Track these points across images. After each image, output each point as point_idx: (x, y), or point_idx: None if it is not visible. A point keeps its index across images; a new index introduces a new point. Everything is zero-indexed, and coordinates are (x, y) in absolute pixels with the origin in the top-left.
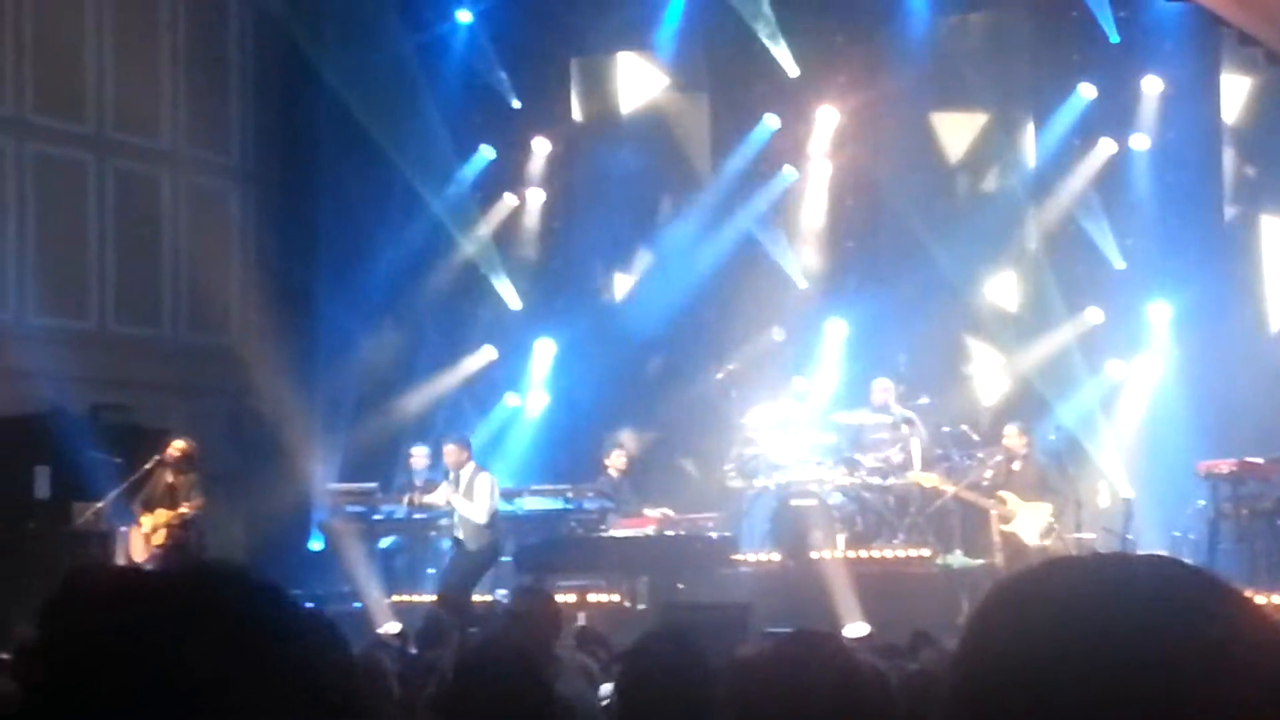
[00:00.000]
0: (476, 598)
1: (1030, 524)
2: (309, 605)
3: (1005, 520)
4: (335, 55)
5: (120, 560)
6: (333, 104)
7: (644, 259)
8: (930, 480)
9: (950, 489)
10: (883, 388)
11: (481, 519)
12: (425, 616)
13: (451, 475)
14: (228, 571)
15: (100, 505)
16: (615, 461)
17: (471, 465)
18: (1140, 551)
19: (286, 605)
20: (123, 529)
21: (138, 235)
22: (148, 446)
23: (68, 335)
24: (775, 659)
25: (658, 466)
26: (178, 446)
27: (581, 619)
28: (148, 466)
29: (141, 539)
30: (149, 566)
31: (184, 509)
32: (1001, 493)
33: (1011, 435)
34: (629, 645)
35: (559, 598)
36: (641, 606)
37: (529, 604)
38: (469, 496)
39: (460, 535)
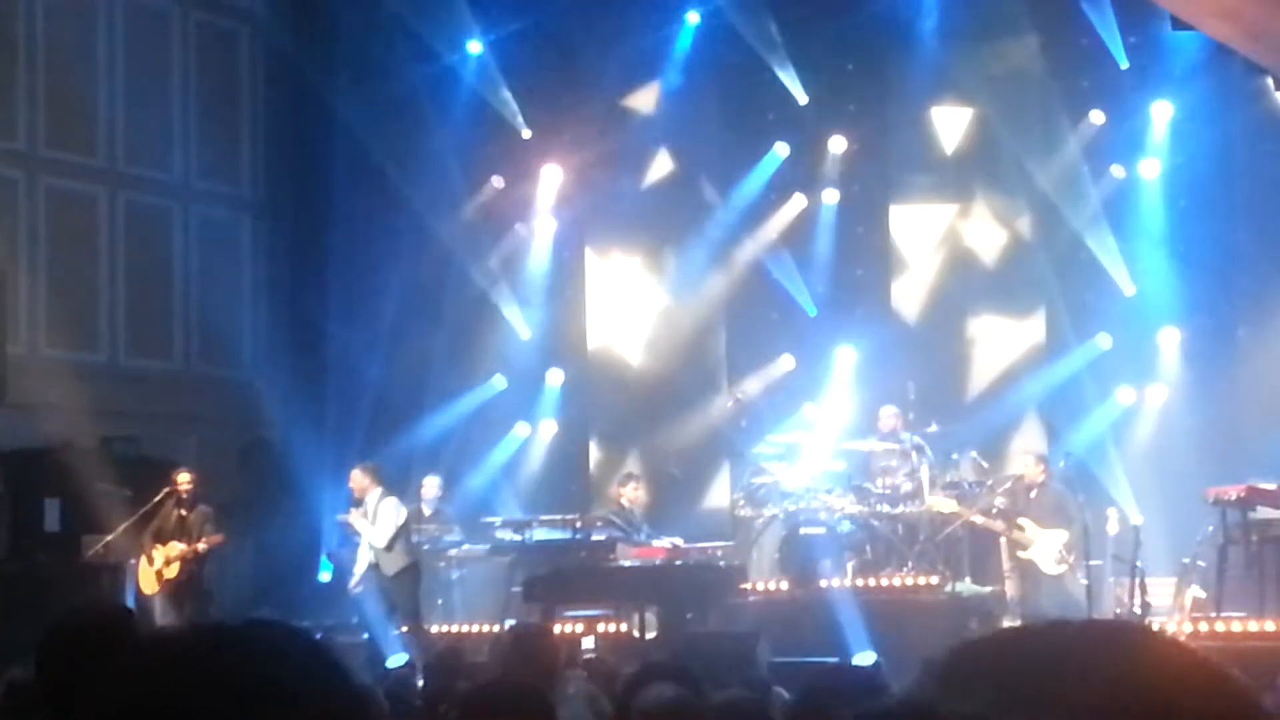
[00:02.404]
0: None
1: (1047, 551)
2: (317, 640)
3: (1022, 547)
4: (345, 86)
5: (129, 593)
6: (343, 135)
7: (654, 286)
8: (947, 506)
9: (967, 515)
10: (891, 414)
11: (381, 543)
12: (432, 649)
13: (359, 501)
14: (243, 633)
15: (110, 538)
16: (629, 492)
17: (378, 491)
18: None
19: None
20: (132, 562)
21: (149, 268)
22: (158, 479)
23: (79, 368)
24: None
25: (667, 496)
26: (185, 479)
27: (590, 649)
28: (157, 499)
29: (152, 572)
30: (160, 599)
31: (201, 545)
32: (1020, 520)
33: (1029, 463)
34: (628, 675)
35: (567, 628)
36: (650, 636)
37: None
38: (373, 521)
39: (377, 562)
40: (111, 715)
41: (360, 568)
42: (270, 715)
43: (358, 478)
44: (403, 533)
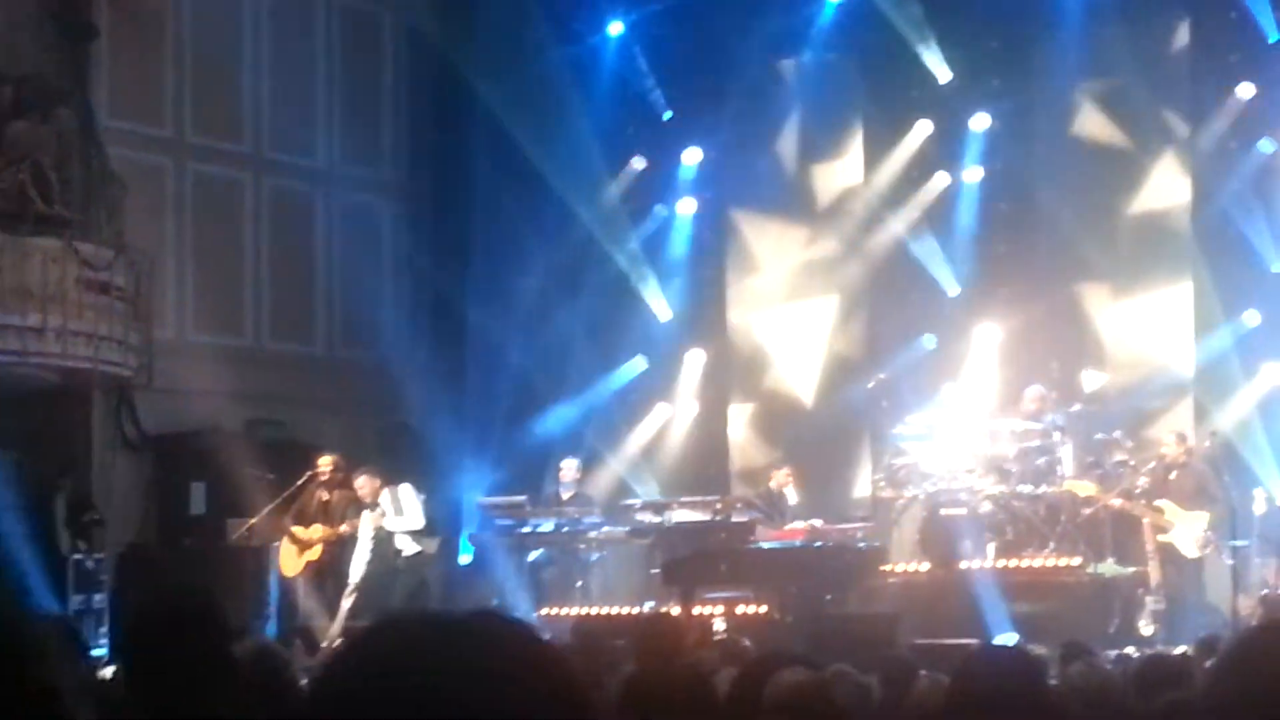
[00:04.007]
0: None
1: (1188, 534)
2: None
3: (1162, 530)
4: (486, 69)
5: (273, 575)
6: (484, 118)
7: (795, 266)
8: (1085, 489)
9: (1105, 497)
10: (1036, 395)
11: (421, 523)
12: (572, 630)
13: (376, 506)
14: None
15: (254, 521)
16: (780, 477)
17: (388, 488)
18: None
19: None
20: (275, 544)
21: (292, 253)
22: (301, 462)
23: (224, 352)
24: None
25: (809, 476)
26: (327, 462)
27: (720, 630)
28: (300, 482)
29: (294, 554)
30: (302, 581)
31: (344, 528)
32: (1159, 502)
33: (1170, 443)
34: (752, 660)
35: (706, 610)
36: (789, 618)
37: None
38: (399, 512)
39: (405, 552)
40: (350, 704)
41: (357, 574)
42: (499, 707)
43: (366, 483)
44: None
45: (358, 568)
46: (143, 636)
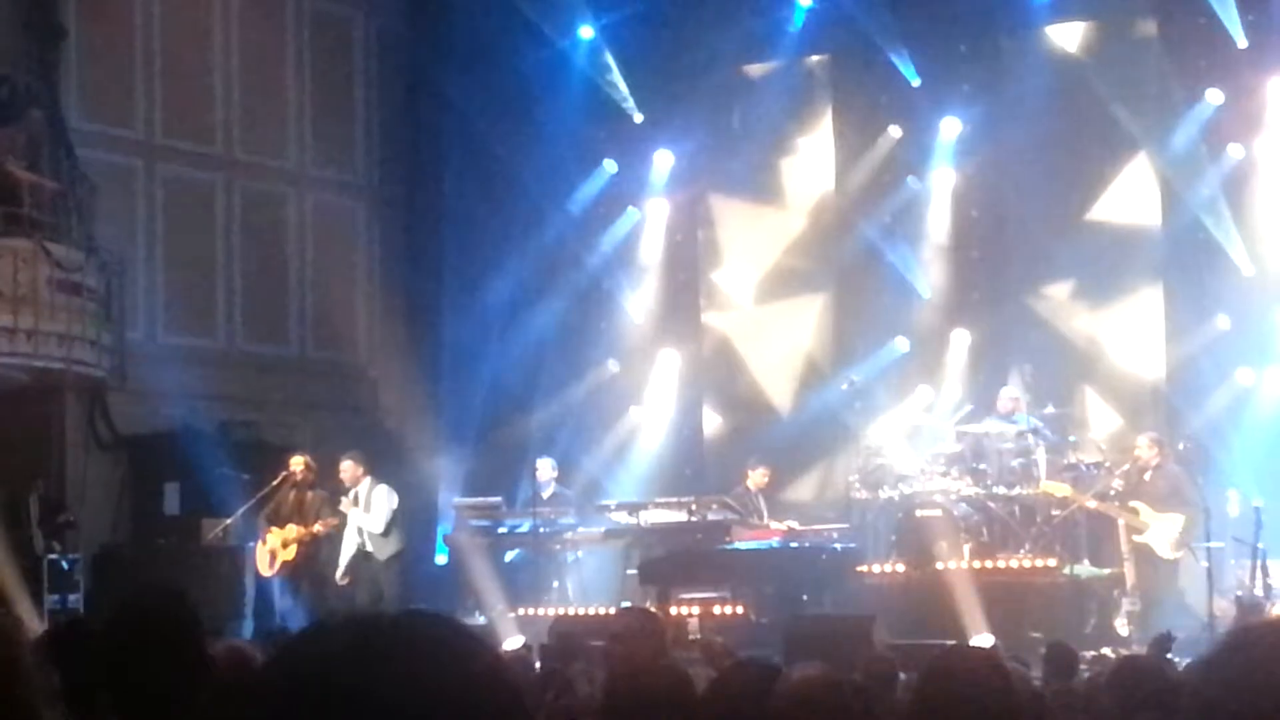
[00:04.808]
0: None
1: (1163, 536)
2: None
3: (1138, 531)
4: (458, 72)
5: (248, 575)
6: (456, 121)
7: (768, 269)
8: (1060, 490)
9: (1081, 499)
10: (1010, 396)
11: (378, 528)
12: (550, 632)
13: (351, 491)
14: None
15: (229, 521)
16: (756, 477)
17: (369, 480)
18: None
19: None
20: (250, 544)
21: (265, 254)
22: (275, 463)
23: (197, 353)
24: None
25: (784, 477)
26: (299, 462)
27: (696, 631)
28: (274, 483)
29: (268, 554)
30: (277, 581)
31: (318, 527)
32: (1133, 503)
33: (1143, 445)
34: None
35: (683, 610)
36: (765, 620)
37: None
38: (367, 509)
39: (370, 548)
40: (281, 708)
41: (345, 557)
42: (435, 709)
43: (349, 468)
44: (396, 518)
45: (345, 556)
46: (117, 636)
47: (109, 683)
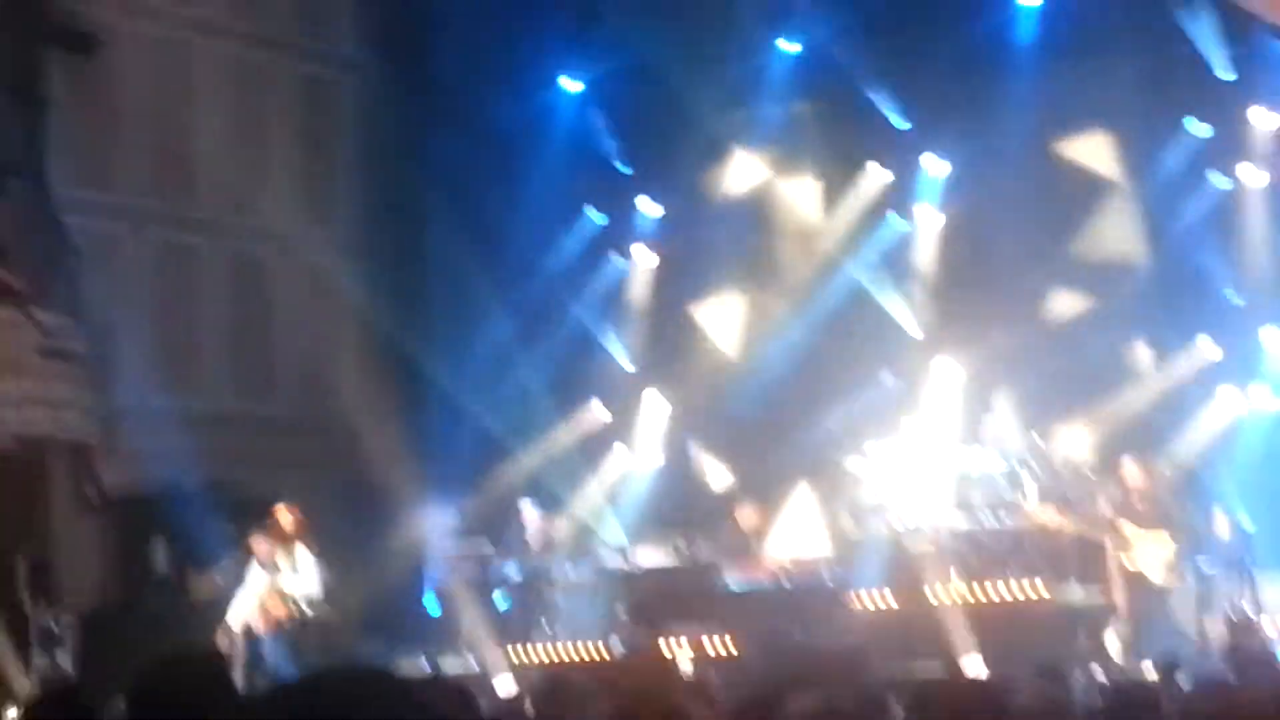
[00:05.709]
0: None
1: (1153, 561)
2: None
3: (1127, 555)
4: (442, 126)
5: (236, 629)
6: (440, 176)
7: (755, 310)
8: (1049, 517)
9: (1069, 525)
10: (997, 426)
11: (314, 589)
12: (544, 678)
13: (298, 536)
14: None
15: (218, 579)
16: (744, 515)
17: (306, 546)
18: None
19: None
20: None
21: (251, 314)
22: (262, 519)
23: (185, 414)
24: None
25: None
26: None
27: (689, 669)
28: (262, 538)
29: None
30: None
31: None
32: (1125, 530)
33: (1131, 470)
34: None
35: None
36: (758, 656)
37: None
38: (295, 570)
39: (310, 613)
40: None
41: (240, 610)
42: None
43: (288, 513)
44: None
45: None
46: (150, 699)
47: None
